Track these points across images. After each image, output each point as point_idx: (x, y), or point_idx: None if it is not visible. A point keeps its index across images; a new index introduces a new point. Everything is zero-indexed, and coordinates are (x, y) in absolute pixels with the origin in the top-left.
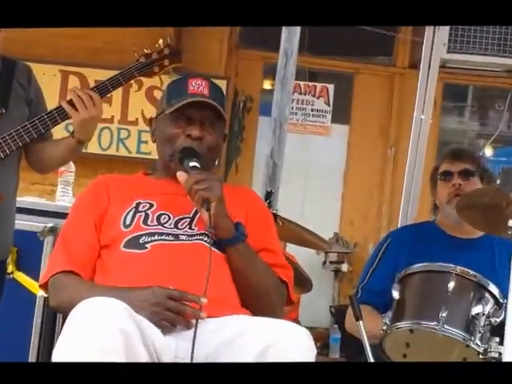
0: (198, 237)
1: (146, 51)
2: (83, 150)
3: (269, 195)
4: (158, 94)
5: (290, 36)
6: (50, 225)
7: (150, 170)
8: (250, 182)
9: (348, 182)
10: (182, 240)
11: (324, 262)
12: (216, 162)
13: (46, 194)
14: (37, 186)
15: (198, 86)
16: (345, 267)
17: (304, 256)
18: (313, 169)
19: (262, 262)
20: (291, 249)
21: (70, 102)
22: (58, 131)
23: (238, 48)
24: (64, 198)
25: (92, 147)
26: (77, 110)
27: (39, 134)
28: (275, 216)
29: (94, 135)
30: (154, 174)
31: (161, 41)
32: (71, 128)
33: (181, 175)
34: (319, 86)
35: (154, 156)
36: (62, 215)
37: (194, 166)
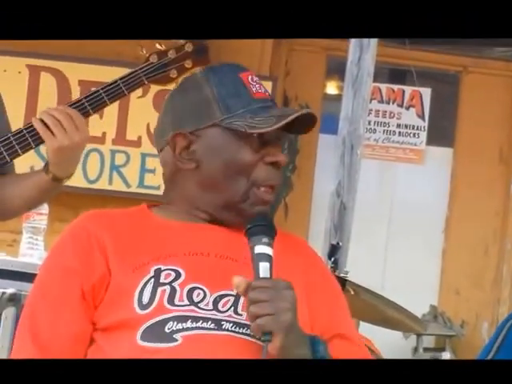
0: (248, 329)
1: (158, 47)
2: None
3: (334, 251)
4: None
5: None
6: (11, 291)
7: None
8: (306, 231)
9: (452, 231)
10: (227, 330)
11: (415, 349)
12: None
13: (6, 246)
14: None
15: (258, 86)
16: (447, 356)
17: (386, 340)
18: (399, 212)
19: None
20: (367, 330)
21: (44, 123)
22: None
23: None
24: (31, 253)
25: (74, 179)
26: (53, 133)
27: (2, 163)
28: (343, 282)
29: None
30: (165, 209)
31: None
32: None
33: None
34: (409, 90)
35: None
36: (28, 277)
37: (263, 255)
